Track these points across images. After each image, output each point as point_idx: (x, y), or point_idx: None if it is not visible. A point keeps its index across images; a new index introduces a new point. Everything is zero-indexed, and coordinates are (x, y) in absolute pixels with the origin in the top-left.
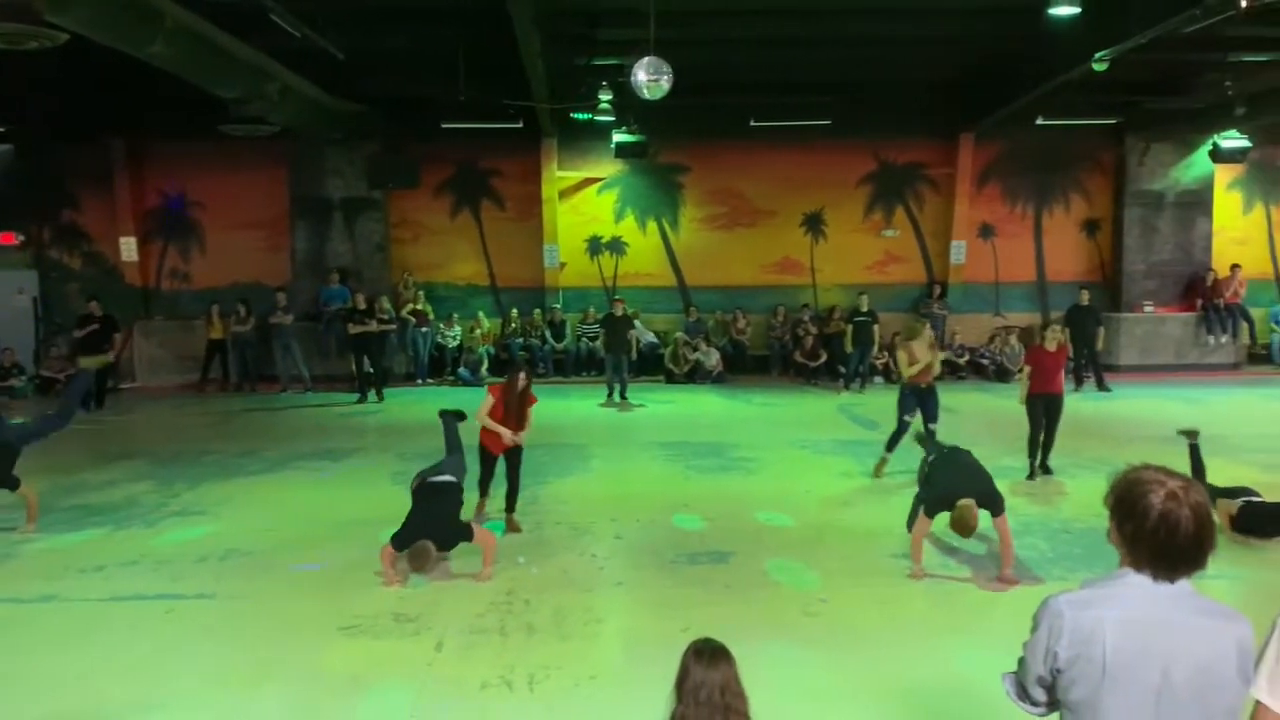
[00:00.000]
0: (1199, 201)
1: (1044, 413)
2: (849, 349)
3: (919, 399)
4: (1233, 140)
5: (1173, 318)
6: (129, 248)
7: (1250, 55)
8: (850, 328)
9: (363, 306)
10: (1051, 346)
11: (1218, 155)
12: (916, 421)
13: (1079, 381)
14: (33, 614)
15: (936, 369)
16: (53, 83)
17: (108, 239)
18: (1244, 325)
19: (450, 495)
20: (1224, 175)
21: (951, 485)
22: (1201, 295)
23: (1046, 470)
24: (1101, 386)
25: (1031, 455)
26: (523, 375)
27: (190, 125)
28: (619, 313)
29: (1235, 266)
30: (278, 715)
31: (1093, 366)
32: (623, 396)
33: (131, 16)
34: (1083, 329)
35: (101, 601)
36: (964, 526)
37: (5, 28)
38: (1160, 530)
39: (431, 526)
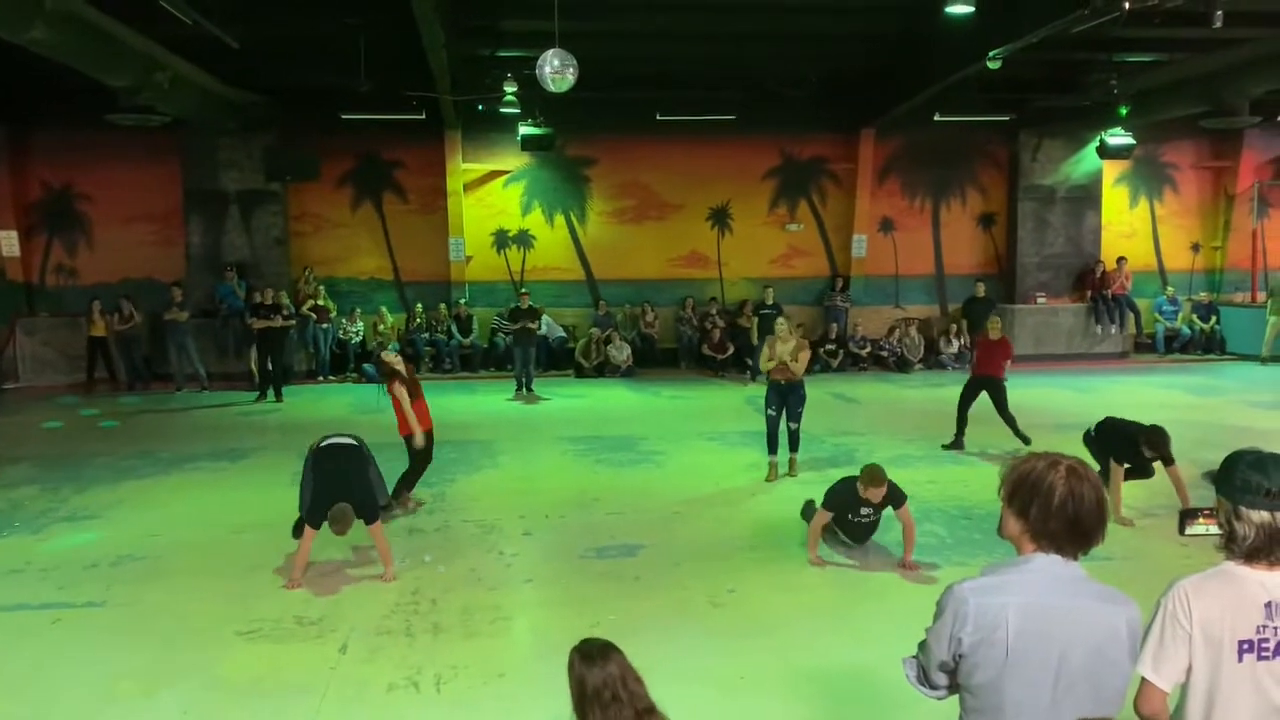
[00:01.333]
0: (1088, 196)
1: (983, 391)
2: (754, 341)
3: (780, 395)
4: (1119, 137)
5: (1064, 308)
6: (10, 241)
7: (1134, 56)
8: (756, 320)
9: (268, 301)
10: (994, 336)
11: (1105, 152)
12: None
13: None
14: None
15: (799, 369)
16: None
17: None
18: (1130, 315)
19: (355, 453)
20: (1111, 171)
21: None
22: (1091, 287)
23: (1025, 440)
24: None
25: (960, 428)
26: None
27: (77, 114)
28: (525, 305)
29: (1121, 259)
30: None
31: None
32: (529, 389)
33: (8, 0)
34: (979, 320)
35: None
36: (874, 479)
37: None
38: (1068, 506)
39: (341, 487)
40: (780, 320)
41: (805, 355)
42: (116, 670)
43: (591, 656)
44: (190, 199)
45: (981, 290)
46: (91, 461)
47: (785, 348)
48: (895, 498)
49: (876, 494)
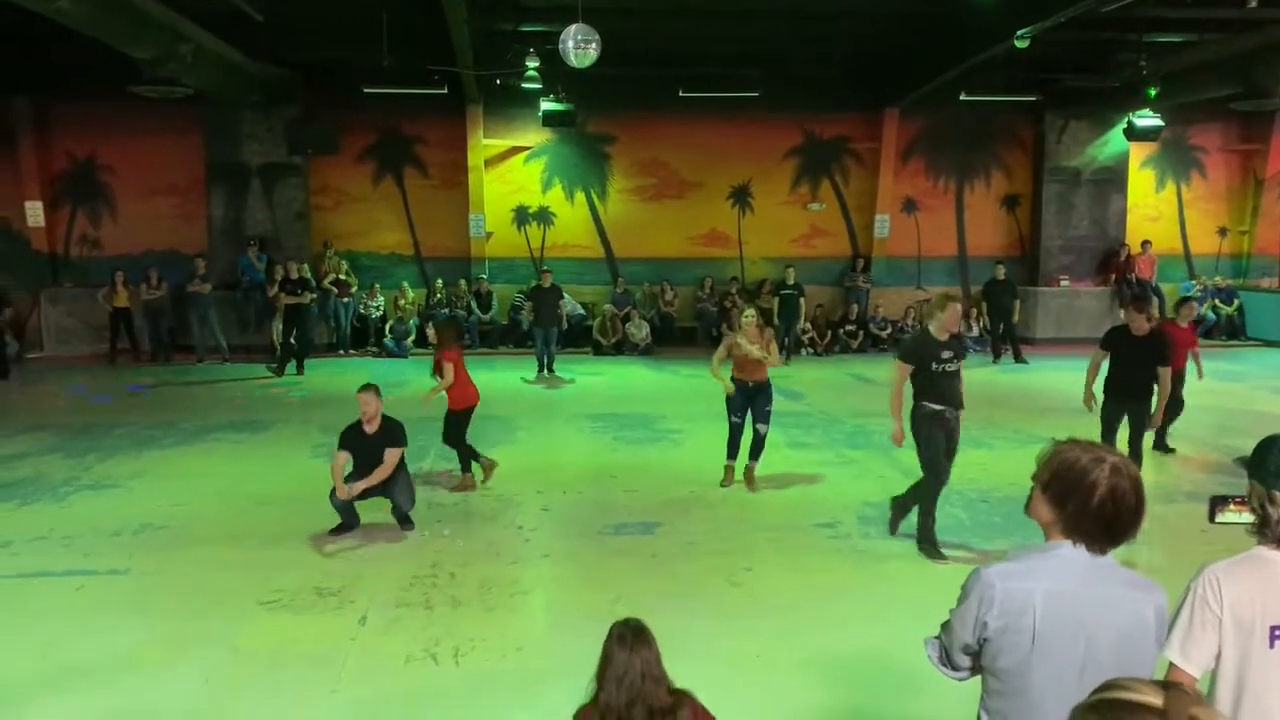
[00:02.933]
0: (1114, 179)
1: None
2: (775, 322)
3: (746, 398)
4: (1147, 119)
5: (1087, 292)
6: (35, 212)
7: (1164, 36)
8: (776, 301)
9: (295, 276)
10: (1184, 323)
11: (1132, 134)
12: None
13: (997, 354)
14: None
15: (774, 359)
16: None
17: (12, 203)
18: (1155, 300)
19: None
20: (1138, 153)
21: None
22: (1115, 270)
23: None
24: (1018, 358)
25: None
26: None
27: (101, 86)
28: (547, 284)
29: (1146, 243)
30: (195, 693)
31: (1010, 339)
32: (550, 370)
33: None
34: (999, 303)
35: (8, 579)
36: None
37: None
38: (1109, 505)
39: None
40: (749, 312)
41: (774, 349)
42: (139, 638)
43: (625, 639)
44: (212, 172)
45: (1001, 273)
46: (114, 432)
47: (751, 346)
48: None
49: (953, 320)
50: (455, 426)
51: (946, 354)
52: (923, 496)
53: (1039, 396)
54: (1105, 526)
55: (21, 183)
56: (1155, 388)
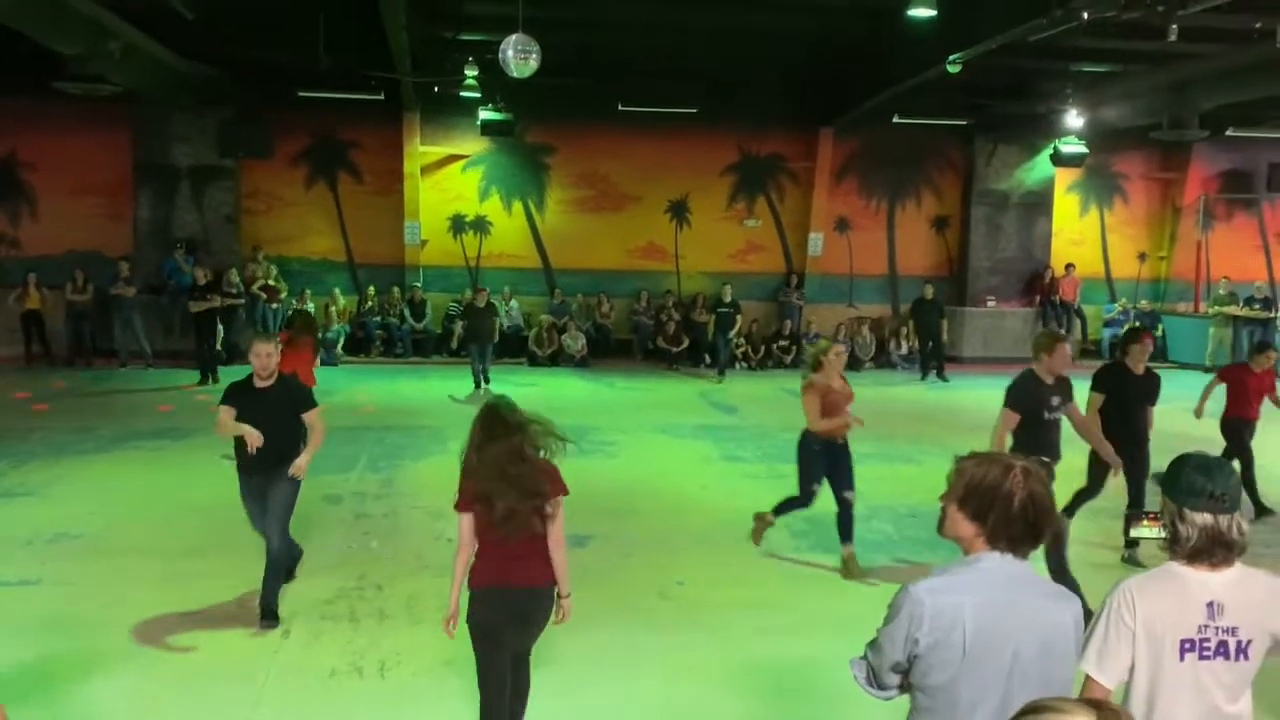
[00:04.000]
0: (1040, 202)
1: (1247, 440)
2: (710, 337)
3: (831, 460)
4: (1072, 146)
5: (1013, 312)
6: None
7: (1089, 65)
8: (713, 319)
9: (202, 281)
10: (1259, 369)
11: (1058, 159)
12: None
13: (925, 372)
14: None
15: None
16: None
17: None
18: (1077, 322)
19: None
20: (1064, 178)
21: None
22: (1040, 292)
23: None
24: (941, 376)
25: (1254, 494)
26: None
27: (23, 80)
28: (482, 303)
29: (1070, 266)
30: (111, 710)
31: (936, 357)
32: (486, 382)
33: None
34: (927, 321)
35: None
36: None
37: None
38: (1029, 509)
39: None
40: (836, 349)
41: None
42: (51, 651)
43: (493, 430)
44: (140, 172)
45: (930, 293)
46: (29, 437)
47: (843, 384)
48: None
49: (1062, 362)
50: None
51: (1055, 399)
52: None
53: (966, 414)
54: (1029, 528)
55: None
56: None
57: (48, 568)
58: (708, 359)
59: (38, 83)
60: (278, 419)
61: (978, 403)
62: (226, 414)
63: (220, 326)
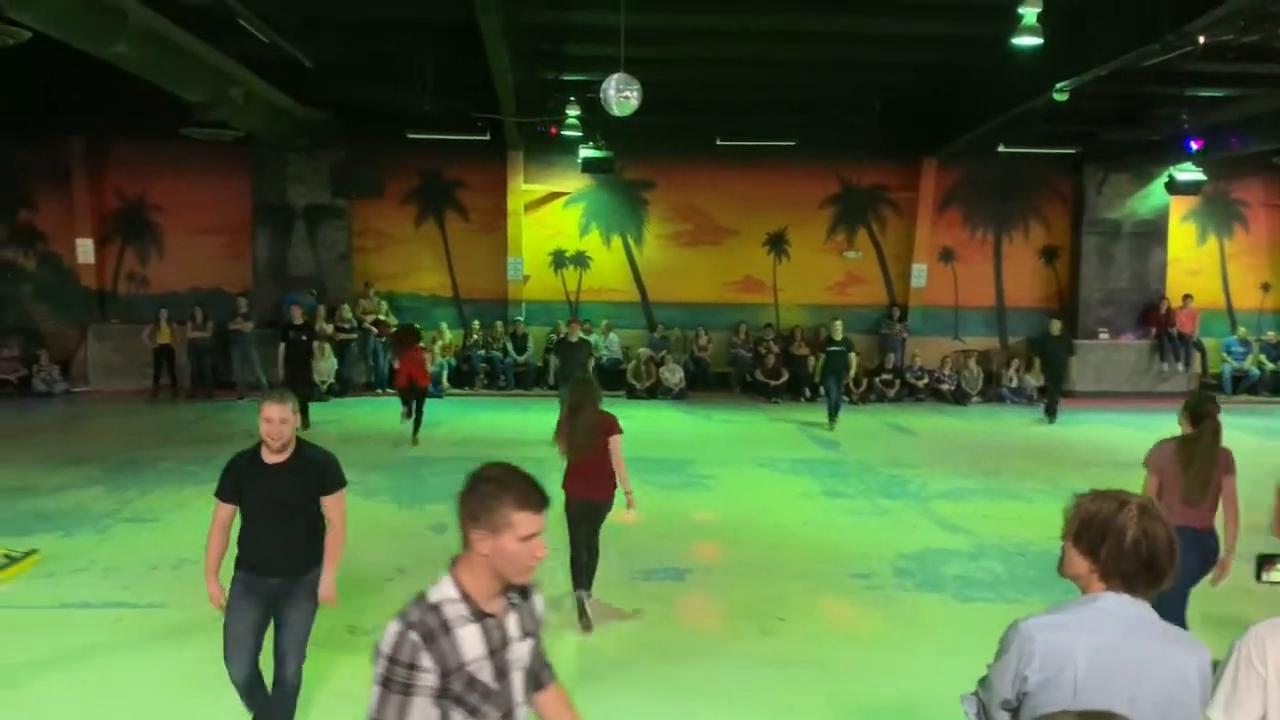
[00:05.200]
0: (1154, 232)
1: None
2: (816, 380)
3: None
4: (1188, 173)
5: (1127, 345)
6: (85, 249)
7: (1206, 90)
8: (821, 358)
9: (299, 321)
10: None
11: (1173, 187)
12: None
13: (1052, 412)
14: None
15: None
16: (10, 79)
17: (64, 240)
18: (1196, 354)
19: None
20: (1179, 207)
21: None
22: (1156, 324)
23: None
24: (1051, 415)
25: None
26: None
27: (152, 126)
28: (573, 337)
29: (1187, 297)
30: None
31: (1052, 395)
32: None
33: (94, 16)
34: (1054, 359)
35: (50, 609)
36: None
37: None
38: (1142, 545)
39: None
40: None
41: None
42: (177, 670)
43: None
44: (259, 213)
45: (1057, 328)
46: (155, 465)
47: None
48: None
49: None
50: None
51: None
52: None
53: (1077, 450)
54: (1143, 566)
55: (74, 220)
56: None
57: (173, 592)
58: (807, 393)
59: (166, 130)
60: (295, 505)
61: (1089, 438)
62: (225, 513)
63: (334, 359)
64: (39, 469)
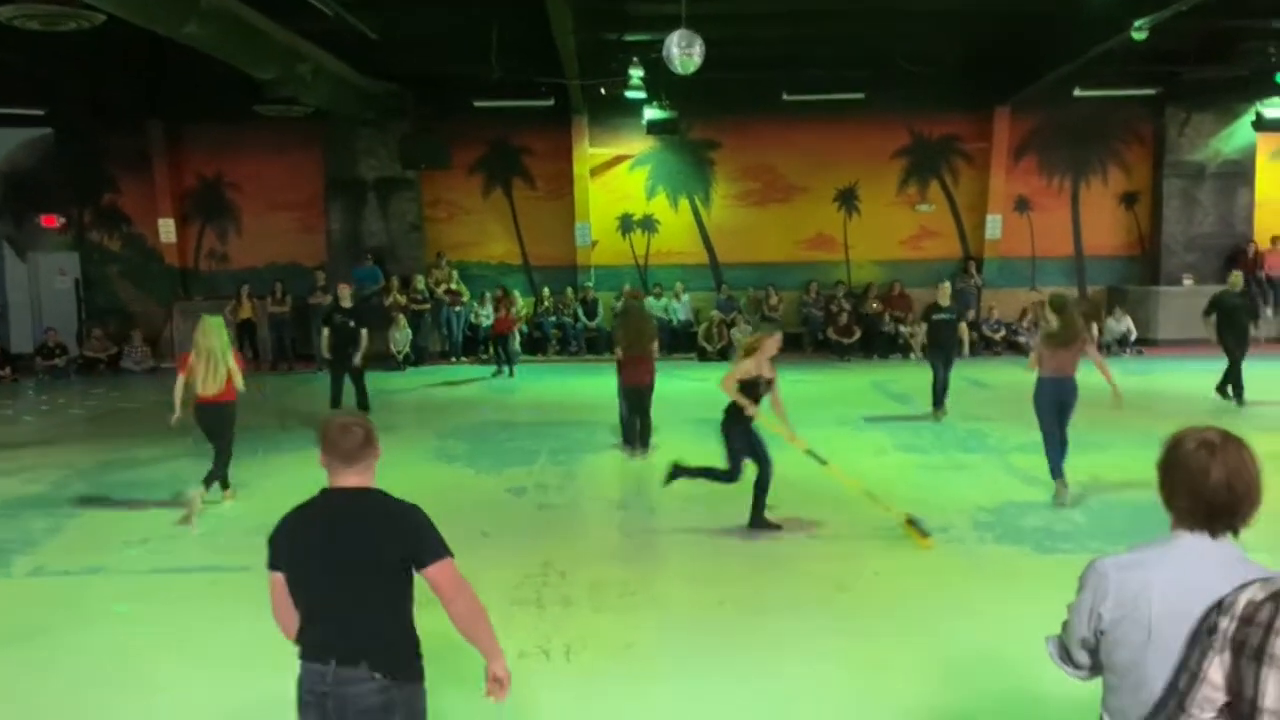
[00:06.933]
0: (1240, 172)
1: None
2: (919, 353)
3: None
4: (1276, 109)
5: (1213, 291)
6: (167, 229)
7: None
8: (924, 328)
9: (347, 303)
10: None
11: (1261, 124)
12: None
13: (1239, 391)
14: (80, 585)
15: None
16: (89, 65)
17: (147, 221)
18: None
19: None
20: (1267, 145)
21: None
22: (1244, 268)
23: None
24: (1238, 397)
25: None
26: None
27: (226, 107)
28: (635, 305)
29: (1277, 238)
30: None
31: (1234, 366)
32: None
33: None
34: (1235, 321)
35: (147, 574)
36: None
37: (43, 9)
38: (1219, 488)
39: None
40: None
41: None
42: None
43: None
44: (331, 187)
45: (1239, 282)
46: (242, 435)
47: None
48: None
49: None
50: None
51: None
52: None
53: (1162, 399)
54: (1215, 510)
55: (156, 201)
56: None
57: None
58: (878, 348)
59: (239, 109)
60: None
61: (1174, 387)
62: (279, 588)
63: (409, 330)
64: (136, 440)
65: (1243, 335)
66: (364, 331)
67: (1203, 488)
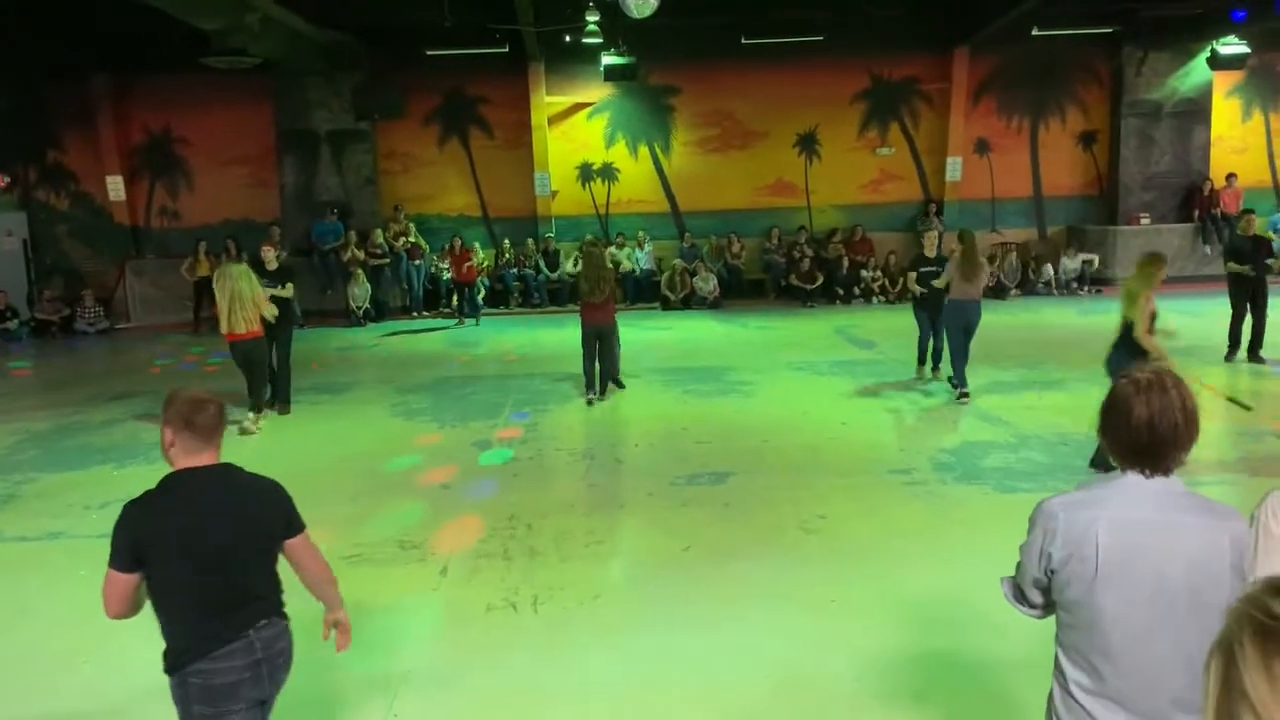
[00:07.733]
0: (1197, 110)
1: None
2: (915, 309)
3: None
4: (1231, 46)
5: (1170, 229)
6: (116, 187)
7: None
8: (913, 278)
9: (273, 266)
10: None
11: (1216, 62)
12: None
13: (1255, 348)
14: (38, 551)
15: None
16: (31, 18)
17: (94, 178)
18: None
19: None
20: (1223, 83)
21: None
22: (1199, 206)
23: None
24: (1257, 357)
25: None
26: None
27: (173, 59)
28: (594, 252)
29: (1231, 176)
30: None
31: (1256, 318)
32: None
33: None
34: (1254, 264)
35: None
36: None
37: None
38: (1142, 422)
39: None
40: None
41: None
42: None
43: (588, 258)
44: (283, 140)
45: (1258, 226)
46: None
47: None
48: None
49: None
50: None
51: None
52: None
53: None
54: (1139, 449)
55: (102, 158)
56: None
57: None
58: (839, 293)
59: (186, 61)
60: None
61: None
62: (129, 592)
63: (368, 285)
64: (89, 403)
65: (1260, 281)
66: (289, 285)
67: (1126, 427)
